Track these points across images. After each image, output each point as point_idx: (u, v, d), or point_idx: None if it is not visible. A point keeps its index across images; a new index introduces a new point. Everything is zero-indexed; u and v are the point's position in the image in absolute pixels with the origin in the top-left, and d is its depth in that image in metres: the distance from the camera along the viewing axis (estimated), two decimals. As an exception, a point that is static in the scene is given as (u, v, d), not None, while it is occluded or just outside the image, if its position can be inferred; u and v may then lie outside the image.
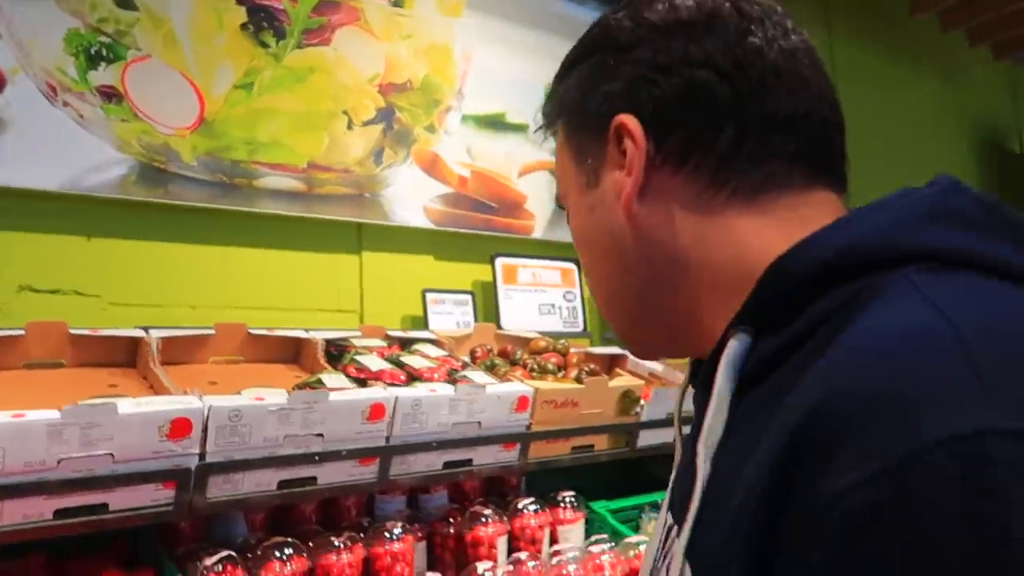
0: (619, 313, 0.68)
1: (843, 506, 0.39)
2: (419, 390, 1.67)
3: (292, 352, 1.93)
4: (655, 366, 2.44)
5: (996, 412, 0.37)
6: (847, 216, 0.54)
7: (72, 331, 1.62)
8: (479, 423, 1.74)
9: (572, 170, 0.68)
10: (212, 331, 1.79)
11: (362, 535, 1.68)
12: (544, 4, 2.80)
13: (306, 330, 1.94)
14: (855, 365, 0.43)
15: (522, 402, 1.81)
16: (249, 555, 1.54)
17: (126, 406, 1.30)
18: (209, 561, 1.46)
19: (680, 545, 0.53)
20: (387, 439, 1.61)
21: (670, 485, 0.71)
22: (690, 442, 0.61)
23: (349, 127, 2.28)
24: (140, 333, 1.69)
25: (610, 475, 2.38)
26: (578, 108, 0.67)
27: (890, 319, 0.44)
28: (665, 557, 0.60)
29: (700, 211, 0.59)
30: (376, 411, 1.57)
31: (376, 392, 1.60)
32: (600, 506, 2.06)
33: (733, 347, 0.54)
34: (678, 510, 0.61)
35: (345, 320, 2.26)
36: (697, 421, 0.62)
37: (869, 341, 0.44)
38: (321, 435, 1.51)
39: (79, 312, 1.84)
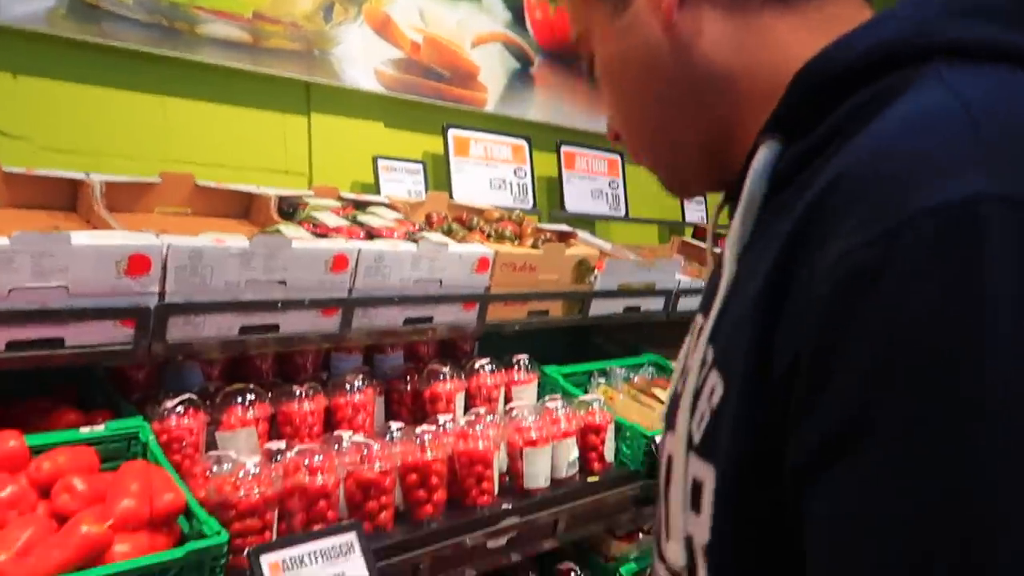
0: (656, 139, 0.67)
1: (842, 266, 0.41)
2: (382, 244, 1.64)
3: (242, 208, 1.86)
4: (603, 243, 2.47)
5: (995, 181, 0.39)
6: (875, 16, 0.54)
7: (5, 169, 1.51)
8: (440, 281, 1.74)
9: (593, 3, 0.66)
10: (158, 180, 1.70)
11: (322, 387, 1.67)
12: None
13: (256, 187, 1.86)
14: (868, 146, 0.45)
15: (483, 263, 1.80)
16: (208, 401, 1.51)
17: (81, 237, 1.23)
18: (169, 404, 1.43)
19: (705, 333, 0.56)
20: (349, 291, 1.59)
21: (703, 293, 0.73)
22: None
23: (298, -24, 2.14)
24: (81, 176, 1.59)
25: (558, 343, 2.44)
26: None
27: (911, 107, 0.45)
28: (695, 351, 0.62)
29: (738, 17, 0.58)
30: (339, 262, 1.54)
31: (339, 243, 1.57)
32: (552, 370, 2.11)
33: (763, 154, 0.54)
34: (704, 305, 0.63)
35: (294, 181, 2.18)
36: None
37: (886, 125, 0.45)
38: (284, 282, 1.47)
39: (7, 155, 1.71)
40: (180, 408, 1.43)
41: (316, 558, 1.24)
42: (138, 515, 1.13)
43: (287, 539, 1.25)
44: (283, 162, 2.18)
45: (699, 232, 3.21)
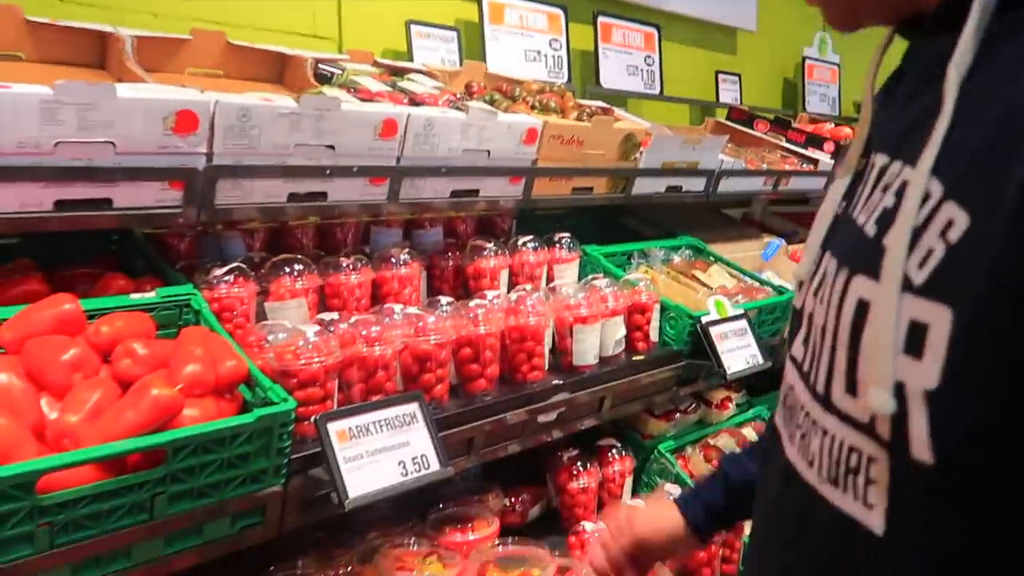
0: None
1: None
2: (431, 110, 1.55)
3: (276, 71, 1.75)
4: (643, 121, 2.37)
5: None
6: None
7: (29, 19, 1.40)
8: (488, 152, 1.65)
9: None
10: (189, 36, 1.59)
11: (368, 259, 1.62)
12: None
13: (291, 49, 1.75)
14: None
15: (531, 134, 1.72)
16: (256, 272, 1.46)
17: (125, 91, 1.14)
18: (219, 272, 1.38)
19: (924, 163, 0.51)
20: (398, 160, 1.51)
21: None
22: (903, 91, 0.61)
23: None
24: (109, 29, 1.47)
25: (593, 224, 2.38)
26: None
27: None
28: (888, 188, 0.57)
29: None
30: (388, 127, 1.45)
31: (388, 107, 1.48)
32: (593, 249, 2.06)
33: None
34: (897, 144, 0.58)
35: (323, 46, 2.06)
36: (927, 62, 0.59)
37: None
38: (332, 147, 1.39)
39: (25, 5, 1.58)
40: (229, 277, 1.39)
41: (381, 427, 1.23)
42: (204, 380, 1.10)
43: (352, 408, 1.23)
44: (311, 25, 2.05)
45: (735, 113, 3.08)
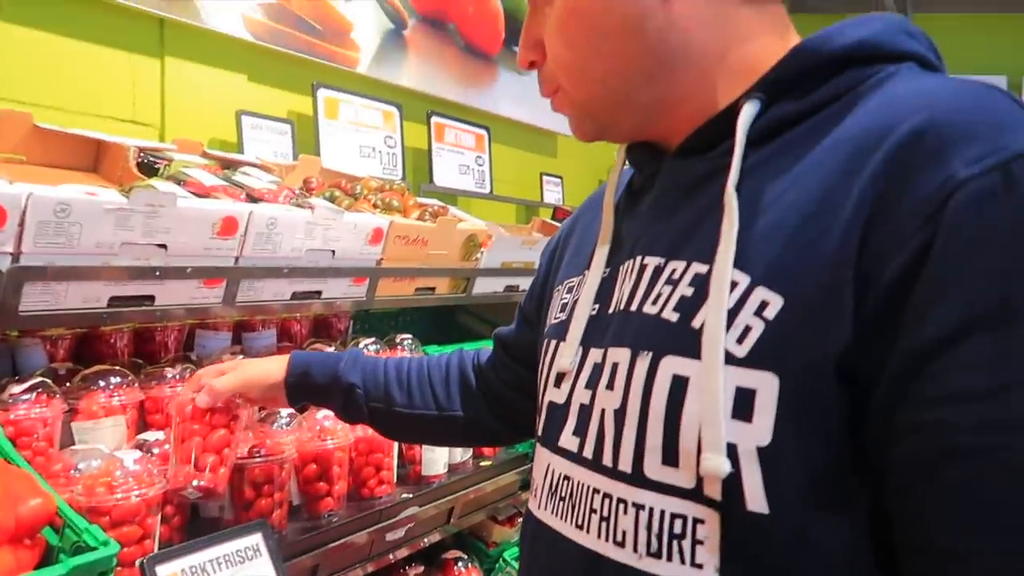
0: (607, 92, 0.70)
1: (964, 190, 0.50)
2: (274, 208, 1.46)
3: (90, 158, 1.58)
4: (478, 220, 2.40)
5: None
6: (851, 20, 0.65)
7: None
8: (333, 252, 1.58)
9: None
10: (-13, 116, 1.40)
11: (195, 368, 1.46)
12: None
13: (108, 135, 1.59)
14: (942, 98, 0.55)
15: (376, 234, 1.67)
16: (62, 386, 1.27)
17: (-88, 179, 0.97)
18: (16, 389, 1.18)
19: (725, 258, 0.60)
20: (236, 260, 1.40)
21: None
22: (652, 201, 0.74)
23: None
24: None
25: (427, 323, 2.35)
26: None
27: (933, 82, 0.59)
28: (648, 290, 0.67)
29: (723, 6, 0.66)
30: (228, 225, 1.35)
31: (228, 204, 1.37)
32: (434, 350, 2.02)
33: (749, 109, 0.63)
34: (671, 246, 0.67)
35: (143, 133, 1.90)
36: (689, 179, 0.70)
37: (935, 87, 0.57)
38: (164, 246, 1.26)
39: None
40: (30, 395, 1.19)
41: (219, 565, 1.08)
42: (2, 525, 0.91)
43: (186, 546, 1.07)
44: (130, 110, 1.89)
45: (559, 213, 3.23)
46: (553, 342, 0.80)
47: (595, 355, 0.71)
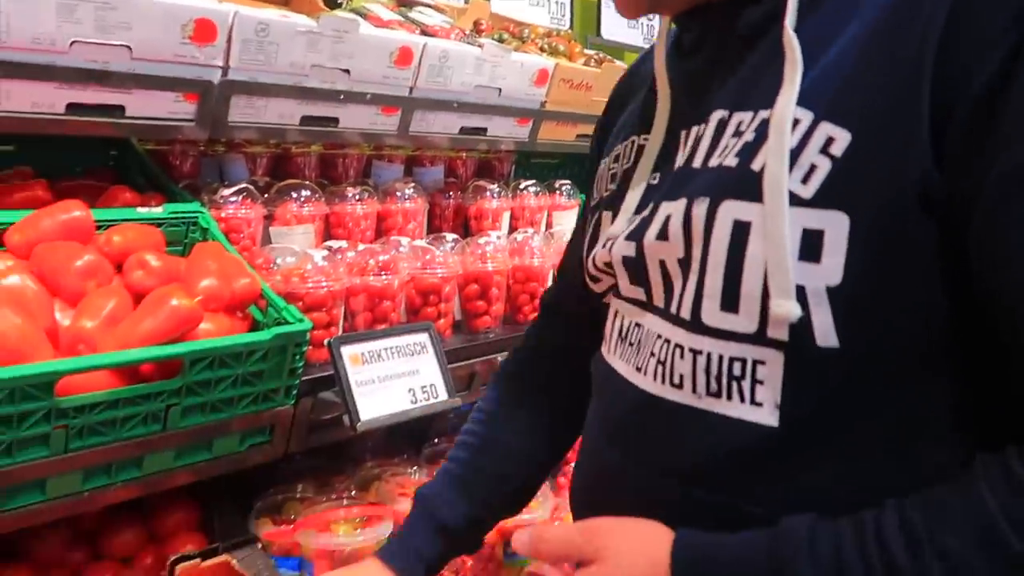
0: None
1: None
2: (447, 42, 1.52)
3: (283, -7, 1.70)
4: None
5: None
6: None
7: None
8: (499, 90, 1.64)
9: None
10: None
11: (373, 192, 1.60)
12: None
13: (298, -30, 1.69)
14: None
15: (542, 75, 1.70)
16: (262, 195, 1.44)
17: (144, -9, 1.10)
18: (226, 192, 1.35)
19: (788, 98, 0.57)
20: (411, 90, 1.48)
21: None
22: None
23: None
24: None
25: (583, 171, 2.37)
26: None
27: None
28: (712, 145, 0.64)
29: None
30: (404, 55, 1.43)
31: (404, 35, 1.45)
32: (591, 198, 2.06)
33: None
34: (735, 100, 0.64)
35: (328, -26, 1.99)
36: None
37: None
38: (348, 71, 1.36)
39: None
40: (237, 198, 1.36)
41: (392, 354, 1.23)
42: (220, 295, 1.08)
43: (366, 333, 1.23)
44: (316, -51, 1.98)
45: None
46: (607, 214, 0.77)
47: (650, 211, 0.68)
